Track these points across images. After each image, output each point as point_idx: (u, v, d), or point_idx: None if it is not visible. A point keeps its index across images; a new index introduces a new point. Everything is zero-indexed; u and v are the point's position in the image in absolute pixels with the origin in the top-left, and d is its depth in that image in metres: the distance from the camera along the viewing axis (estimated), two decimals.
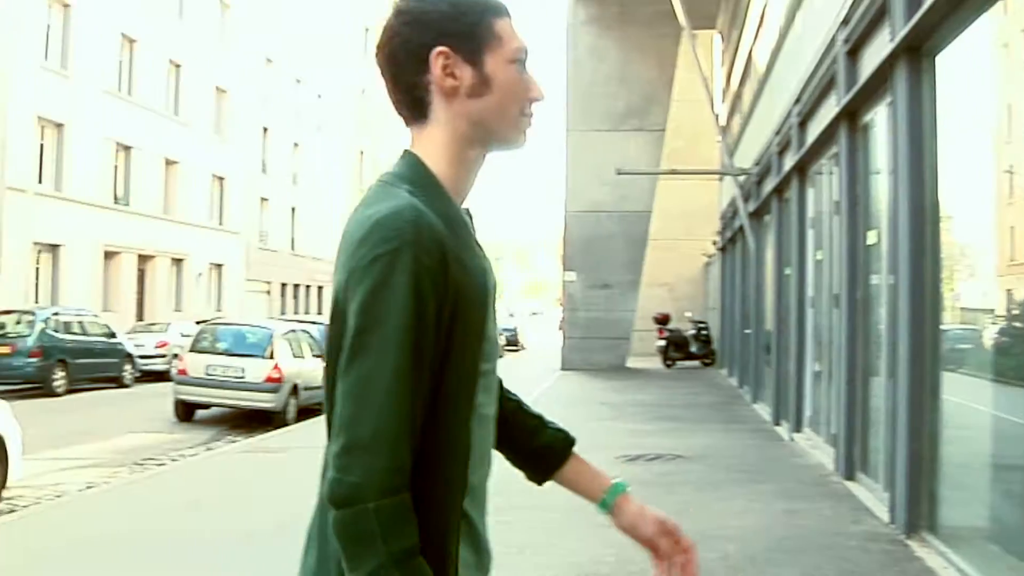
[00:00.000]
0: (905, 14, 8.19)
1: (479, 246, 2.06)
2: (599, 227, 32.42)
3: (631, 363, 33.41)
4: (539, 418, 2.46)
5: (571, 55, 33.75)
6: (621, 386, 25.88)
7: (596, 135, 32.68)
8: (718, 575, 7.21)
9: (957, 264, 8.94)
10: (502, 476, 9.74)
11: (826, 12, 11.85)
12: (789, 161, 15.76)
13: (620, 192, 31.54)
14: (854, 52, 10.57)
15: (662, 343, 34.56)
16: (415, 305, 1.81)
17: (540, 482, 2.45)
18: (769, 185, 18.72)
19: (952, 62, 8.24)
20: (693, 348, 34.45)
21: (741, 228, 23.26)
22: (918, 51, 8.33)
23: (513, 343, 58.96)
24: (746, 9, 24.54)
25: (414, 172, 2.02)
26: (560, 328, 35.16)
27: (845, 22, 10.56)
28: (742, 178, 22.69)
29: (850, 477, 10.74)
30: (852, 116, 10.99)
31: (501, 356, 2.06)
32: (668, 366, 33.83)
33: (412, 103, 2.08)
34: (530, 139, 2.15)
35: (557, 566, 7.67)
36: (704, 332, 34.70)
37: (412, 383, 1.81)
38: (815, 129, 13.30)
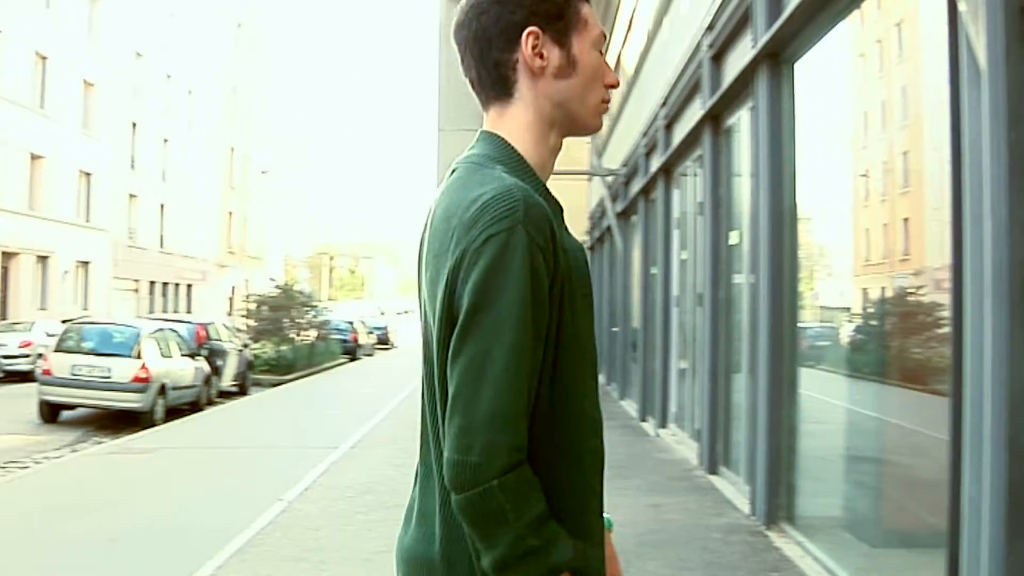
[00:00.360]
0: (766, 22, 8.41)
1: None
2: None
3: None
4: None
5: (443, 54, 33.73)
6: None
7: (467, 135, 31.91)
8: None
9: (816, 264, 9.23)
10: (372, 476, 9.86)
11: (692, 18, 12.03)
12: (655, 163, 15.98)
13: None
14: (718, 57, 10.79)
15: None
16: (531, 282, 1.78)
17: None
18: (636, 186, 18.95)
19: (811, 69, 8.50)
20: None
21: (609, 228, 23.50)
22: (778, 58, 8.56)
23: (384, 341, 58.75)
24: (615, 13, 24.81)
25: (503, 153, 2.02)
26: None
27: (710, 28, 10.76)
28: (610, 179, 22.94)
29: (713, 471, 10.99)
30: (716, 120, 11.22)
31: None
32: None
33: (498, 80, 2.08)
34: (601, 121, 2.15)
35: None
36: None
37: (529, 360, 1.79)
38: (680, 132, 13.50)
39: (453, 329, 1.82)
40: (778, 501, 8.46)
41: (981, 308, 4.35)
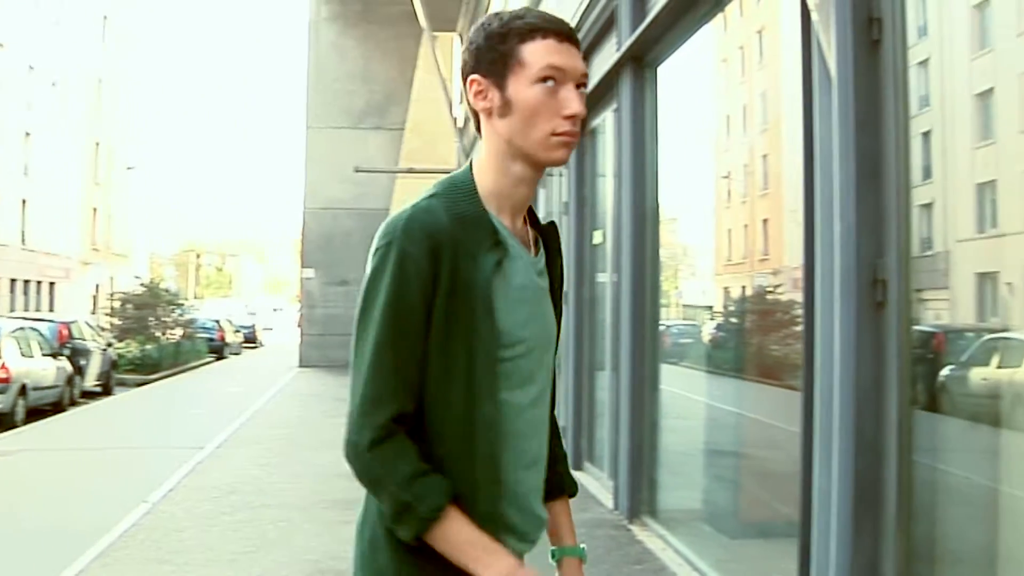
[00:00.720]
0: (630, 25, 8.55)
1: (517, 247, 2.29)
2: (337, 224, 32.36)
3: None
4: (562, 453, 2.61)
5: (312, 52, 33.55)
6: None
7: (335, 132, 32.60)
8: None
9: (680, 264, 9.42)
10: (238, 476, 9.78)
11: None
12: None
13: (359, 190, 31.59)
14: (584, 59, 10.90)
15: None
16: (396, 288, 2.13)
17: None
18: None
19: (675, 73, 8.67)
20: None
21: None
22: (642, 61, 8.72)
23: (251, 340, 58.04)
24: (485, 13, 24.93)
25: (455, 179, 2.31)
26: (298, 325, 34.88)
27: (576, 30, 10.84)
28: None
29: (578, 467, 11.11)
30: (581, 121, 11.32)
31: (520, 349, 2.28)
32: None
33: (474, 119, 2.33)
34: (560, 153, 2.28)
35: (294, 563, 7.71)
36: None
37: (393, 354, 2.14)
38: None
39: None
40: (640, 496, 8.62)
41: (831, 307, 4.52)
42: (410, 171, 29.68)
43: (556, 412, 2.56)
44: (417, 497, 2.10)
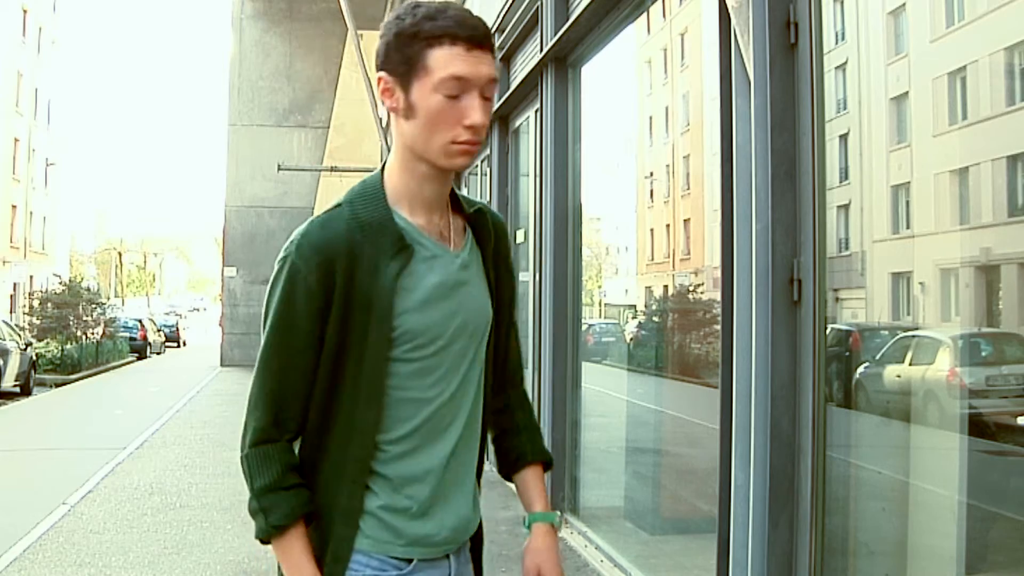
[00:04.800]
0: (553, 26, 8.60)
1: (430, 243, 2.33)
2: (260, 223, 32.13)
3: None
4: (528, 428, 2.70)
5: (236, 49, 33.27)
6: None
7: (259, 130, 32.37)
8: None
9: (603, 263, 9.49)
10: (159, 477, 9.67)
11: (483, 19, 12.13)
12: None
13: (282, 188, 31.41)
14: (507, 59, 10.96)
15: None
16: (284, 300, 2.26)
17: (503, 477, 2.68)
18: None
19: (598, 74, 8.73)
20: None
21: None
22: (564, 61, 8.77)
23: (172, 339, 57.41)
24: None
25: (366, 183, 2.37)
26: (220, 324, 34.58)
27: (500, 30, 10.90)
28: None
29: None
30: (504, 120, 11.41)
31: (433, 347, 2.32)
32: None
33: (389, 117, 2.36)
34: (460, 161, 2.30)
35: (216, 563, 7.66)
36: None
37: (279, 360, 2.29)
38: None
39: None
40: (562, 494, 8.66)
41: (748, 305, 4.59)
42: (333, 170, 29.52)
43: (508, 394, 2.63)
44: (265, 509, 2.25)
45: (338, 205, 2.31)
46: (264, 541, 2.27)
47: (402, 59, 2.23)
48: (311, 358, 2.27)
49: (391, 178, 2.34)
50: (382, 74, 2.27)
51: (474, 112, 2.23)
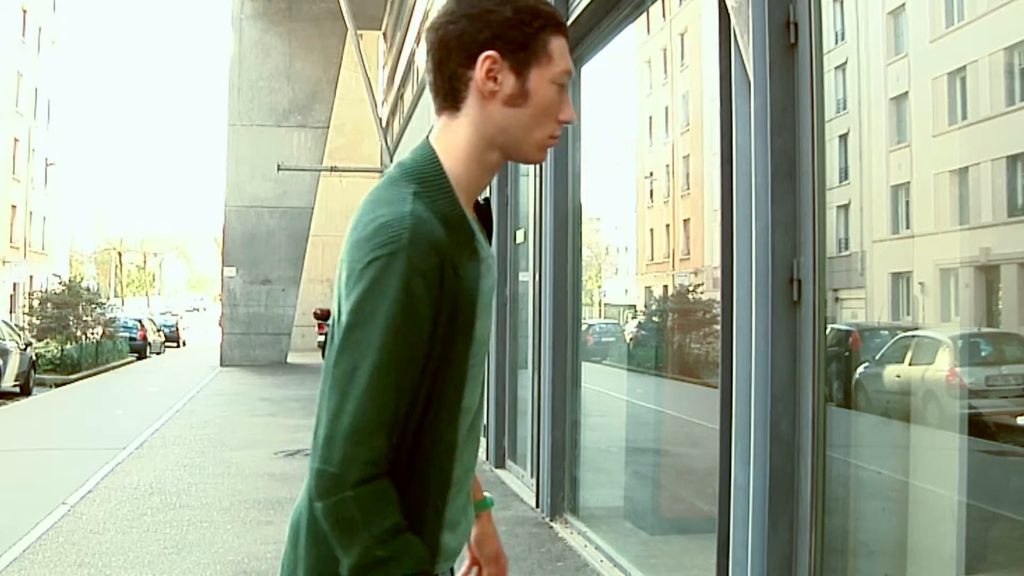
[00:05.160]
0: None
1: (483, 243, 2.12)
2: (260, 222, 32.12)
3: (292, 359, 33.24)
4: None
5: (236, 49, 33.27)
6: (281, 382, 25.73)
7: (259, 130, 32.35)
8: None
9: (604, 263, 9.50)
10: (159, 477, 9.65)
11: None
12: None
13: (282, 188, 31.40)
14: None
15: (322, 338, 34.38)
16: (404, 307, 1.89)
17: None
18: None
19: (599, 73, 8.73)
20: None
21: None
22: None
23: (172, 339, 57.45)
24: (410, 12, 24.90)
25: (426, 168, 2.06)
26: (220, 324, 34.59)
27: None
28: None
29: (500, 465, 11.16)
30: None
31: (481, 355, 2.13)
32: None
33: (449, 92, 2.09)
34: (543, 157, 2.17)
35: (216, 563, 7.65)
36: None
37: (394, 380, 1.90)
38: None
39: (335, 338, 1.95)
40: (562, 494, 8.67)
41: (748, 305, 4.59)
42: (333, 170, 29.60)
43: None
44: (394, 556, 1.90)
45: (412, 193, 2.00)
46: None
47: (522, 40, 2.04)
48: (419, 372, 1.95)
49: (454, 165, 2.08)
50: (492, 53, 2.03)
51: (569, 109, 2.13)
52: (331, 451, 1.88)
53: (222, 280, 33.82)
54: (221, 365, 32.19)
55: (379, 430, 1.89)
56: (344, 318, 1.93)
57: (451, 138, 2.10)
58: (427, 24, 2.14)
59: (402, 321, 1.89)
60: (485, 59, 2.03)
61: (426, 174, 2.05)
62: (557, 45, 2.08)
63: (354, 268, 1.93)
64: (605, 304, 9.75)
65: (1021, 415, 2.76)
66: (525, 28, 2.04)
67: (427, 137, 2.15)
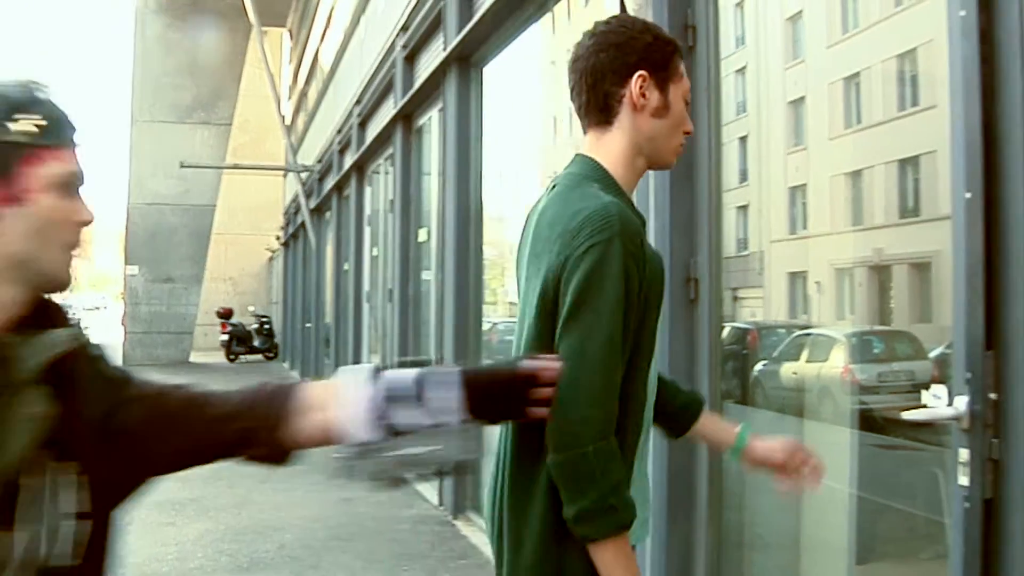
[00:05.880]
0: (457, 25, 8.57)
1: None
2: (163, 220, 31.66)
3: (194, 358, 32.79)
4: (674, 382, 2.82)
5: (139, 44, 32.76)
6: (184, 381, 25.15)
7: (161, 127, 31.89)
8: (276, 565, 7.40)
9: (507, 262, 9.53)
10: None
11: (388, 18, 12.11)
12: (349, 159, 16.07)
13: (184, 185, 30.97)
14: (411, 58, 10.94)
15: (225, 337, 33.99)
16: (623, 285, 2.16)
17: (677, 437, 2.83)
18: (330, 182, 18.97)
19: (502, 74, 8.75)
20: (256, 342, 34.06)
21: (303, 224, 23.43)
22: (468, 61, 8.77)
23: None
24: (315, 9, 24.74)
25: (597, 173, 2.38)
26: (122, 323, 34.04)
27: (404, 29, 10.89)
28: (305, 175, 22.89)
29: None
30: (407, 119, 11.38)
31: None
32: (231, 360, 33.30)
33: (604, 109, 2.41)
34: (675, 161, 2.53)
35: (116, 566, 7.56)
36: (267, 326, 34.42)
37: (618, 351, 2.17)
38: (373, 130, 13.63)
39: (547, 316, 2.24)
40: (464, 492, 8.67)
41: None
42: (236, 167, 29.26)
43: None
44: (624, 504, 2.15)
45: (593, 193, 2.28)
46: (596, 540, 2.15)
47: (662, 61, 2.40)
48: (630, 341, 2.23)
49: (614, 170, 2.40)
50: (644, 72, 2.37)
51: (689, 122, 2.49)
52: (570, 412, 2.12)
53: (124, 278, 33.31)
54: (123, 364, 31.65)
55: (610, 394, 2.17)
56: (570, 297, 2.17)
57: (607, 148, 2.42)
58: (570, 59, 2.46)
59: (623, 298, 2.16)
60: (638, 78, 2.38)
61: (599, 176, 2.37)
62: (682, 66, 2.47)
63: (573, 255, 2.18)
64: (508, 303, 9.78)
65: (909, 410, 2.86)
66: (664, 51, 2.42)
67: (579, 153, 2.46)
